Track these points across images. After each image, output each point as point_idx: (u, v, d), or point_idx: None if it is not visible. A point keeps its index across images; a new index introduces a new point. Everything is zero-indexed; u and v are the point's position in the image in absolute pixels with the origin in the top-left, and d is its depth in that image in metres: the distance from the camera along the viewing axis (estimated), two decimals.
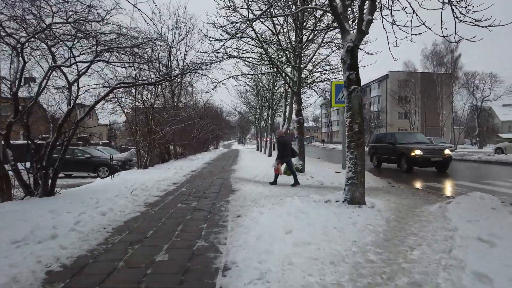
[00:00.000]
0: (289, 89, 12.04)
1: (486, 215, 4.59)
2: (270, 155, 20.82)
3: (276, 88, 20.55)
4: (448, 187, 9.10)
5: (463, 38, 5.74)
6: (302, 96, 18.55)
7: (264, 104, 23.93)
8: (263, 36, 10.50)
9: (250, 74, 9.92)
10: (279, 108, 22.40)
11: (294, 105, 11.08)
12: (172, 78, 8.34)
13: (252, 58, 10.28)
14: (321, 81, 14.59)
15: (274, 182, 9.05)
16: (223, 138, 77.79)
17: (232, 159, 22.22)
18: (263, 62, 10.26)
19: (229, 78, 10.19)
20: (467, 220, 4.45)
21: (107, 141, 41.78)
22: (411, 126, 48.48)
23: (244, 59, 10.09)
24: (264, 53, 9.64)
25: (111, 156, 13.22)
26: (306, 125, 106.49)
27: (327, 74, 13.65)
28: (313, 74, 14.23)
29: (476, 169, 14.86)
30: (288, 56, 10.21)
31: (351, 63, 5.36)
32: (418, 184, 9.74)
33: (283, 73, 10.64)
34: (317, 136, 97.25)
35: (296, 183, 8.84)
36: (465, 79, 47.31)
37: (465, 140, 68.60)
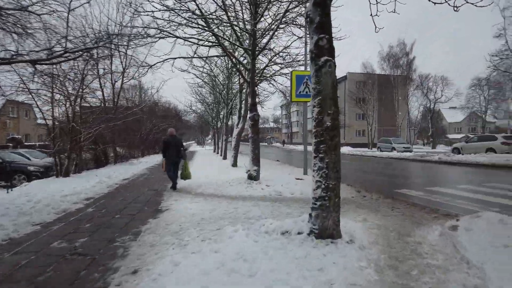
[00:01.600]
0: (244, 82, 10.12)
1: None
2: (225, 157, 18.77)
3: (232, 83, 18.54)
4: (426, 196, 7.67)
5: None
6: (261, 92, 16.79)
7: (220, 102, 21.82)
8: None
9: (189, 57, 7.89)
10: (236, 106, 20.42)
11: (248, 99, 9.16)
12: (74, 51, 6.03)
13: (196, 38, 8.20)
14: (281, 74, 12.86)
15: (173, 187, 8.46)
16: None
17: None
18: (207, 42, 8.24)
19: (163, 61, 8.01)
20: (501, 267, 2.78)
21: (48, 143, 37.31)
22: (368, 127, 48.81)
23: (185, 39, 7.98)
24: (205, 25, 7.57)
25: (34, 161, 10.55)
26: (267, 126, 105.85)
27: (287, 66, 11.93)
28: (271, 67, 12.46)
29: (443, 171, 13.93)
30: (239, 35, 8.30)
31: (321, 21, 3.51)
32: (388, 191, 8.26)
33: (233, 58, 8.68)
34: (277, 137, 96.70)
35: (173, 187, 8.37)
36: (419, 81, 48.61)
37: (417, 140, 71.38)
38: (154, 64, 8.17)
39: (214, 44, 8.45)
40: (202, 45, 8.12)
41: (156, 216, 5.45)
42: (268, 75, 13.29)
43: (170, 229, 4.49)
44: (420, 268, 3.02)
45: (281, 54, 11.44)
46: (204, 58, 13.43)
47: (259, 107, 19.71)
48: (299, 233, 3.67)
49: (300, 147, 54.83)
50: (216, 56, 8.89)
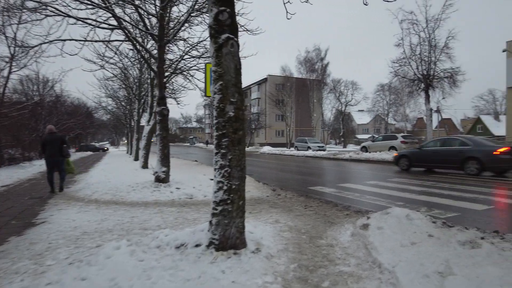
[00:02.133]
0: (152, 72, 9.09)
1: (431, 253, 2.81)
2: (136, 158, 17.19)
3: (145, 78, 17.05)
4: (339, 193, 7.76)
5: None
6: (178, 88, 15.69)
7: (132, 98, 20.00)
8: None
9: (82, 40, 6.61)
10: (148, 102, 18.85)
11: (155, 92, 8.20)
12: None
13: (91, 19, 6.92)
14: (199, 69, 12.06)
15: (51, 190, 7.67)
16: (93, 138, 67.72)
17: (87, 165, 17.68)
18: (107, 25, 7.03)
19: (50, 42, 6.58)
20: (410, 267, 2.55)
21: None
22: (287, 128, 50.73)
23: (77, 18, 6.68)
24: (102, 2, 6.41)
25: None
26: (190, 126, 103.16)
27: (205, 59, 11.20)
28: (188, 60, 11.60)
29: (353, 168, 14.75)
30: (144, 18, 7.32)
31: None
32: (302, 189, 8.20)
33: (136, 44, 7.63)
34: (201, 137, 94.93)
35: (52, 191, 7.65)
36: (332, 85, 52.25)
37: (330, 140, 76.97)
38: (37, 46, 6.70)
39: (114, 27, 7.32)
40: (99, 27, 6.92)
41: (22, 232, 4.26)
42: (184, 69, 12.39)
43: (33, 249, 3.45)
44: (332, 279, 2.65)
45: (198, 46, 10.70)
46: (114, 50, 11.96)
47: (174, 104, 18.53)
48: (197, 246, 3.03)
49: None
50: (117, 41, 7.73)
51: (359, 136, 78.44)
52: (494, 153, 10.60)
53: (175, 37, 9.39)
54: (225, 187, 2.93)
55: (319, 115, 53.59)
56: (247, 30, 9.57)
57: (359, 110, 79.15)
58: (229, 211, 2.93)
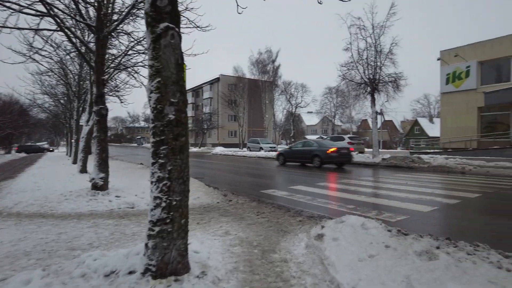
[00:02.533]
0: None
1: (390, 268, 2.63)
2: (75, 162, 15.71)
3: (85, 73, 15.63)
4: (291, 196, 7.60)
5: None
6: (123, 85, 14.57)
7: (71, 95, 18.29)
8: None
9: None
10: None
11: (94, 89, 7.36)
12: None
13: (11, 2, 5.94)
14: (145, 66, 11.23)
15: None
16: (29, 139, 61.72)
17: (16, 169, 15.83)
18: (33, 11, 6.08)
19: None
20: (371, 286, 2.34)
21: None
22: (239, 128, 50.56)
23: None
24: None
25: None
26: (138, 125, 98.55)
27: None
28: (133, 56, 10.75)
29: (304, 169, 14.86)
30: (78, 4, 6.50)
31: None
32: (255, 193, 7.93)
33: (70, 34, 6.75)
34: (149, 137, 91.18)
35: None
36: (283, 87, 53.11)
37: (281, 140, 78.40)
38: None
39: (43, 14, 6.40)
40: (22, 12, 5.97)
41: None
42: (129, 65, 11.47)
43: None
44: None
45: (144, 42, 9.91)
46: (45, 39, 10.66)
47: (118, 102, 17.31)
48: (130, 273, 2.56)
49: None
50: (46, 29, 6.74)
51: (308, 137, 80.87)
52: (328, 152, 15.15)
53: (117, 30, 8.60)
54: (163, 204, 2.49)
55: (271, 116, 54.19)
56: (197, 26, 9.06)
57: (308, 112, 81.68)
58: (169, 232, 2.50)
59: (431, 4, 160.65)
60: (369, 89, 18.63)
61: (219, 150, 36.88)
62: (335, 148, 15.24)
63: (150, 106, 2.58)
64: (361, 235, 3.35)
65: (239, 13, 4.08)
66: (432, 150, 26.92)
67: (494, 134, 23.30)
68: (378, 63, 18.20)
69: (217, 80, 57.19)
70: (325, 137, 34.19)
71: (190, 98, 67.97)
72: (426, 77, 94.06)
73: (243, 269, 2.98)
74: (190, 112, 67.11)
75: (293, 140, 61.13)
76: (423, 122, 68.68)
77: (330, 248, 3.19)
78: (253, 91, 50.74)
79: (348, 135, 25.07)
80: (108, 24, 7.64)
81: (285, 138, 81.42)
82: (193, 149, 46.13)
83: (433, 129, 62.40)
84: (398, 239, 3.26)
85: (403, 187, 8.67)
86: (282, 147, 59.66)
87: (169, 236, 2.50)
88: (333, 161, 15.33)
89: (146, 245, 2.56)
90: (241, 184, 9.92)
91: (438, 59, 26.39)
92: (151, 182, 2.58)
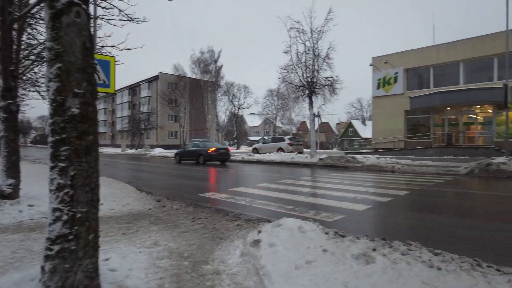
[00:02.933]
0: None
1: (328, 275, 2.49)
2: None
3: None
4: (230, 199, 7.34)
5: None
6: (42, 77, 12.99)
7: None
8: None
9: None
10: None
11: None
12: None
13: None
14: None
15: None
16: None
17: None
18: None
19: None
20: None
21: None
22: (180, 129, 49.13)
23: None
24: None
25: None
26: None
27: None
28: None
29: (245, 171, 14.73)
30: None
31: None
32: (193, 197, 7.53)
33: None
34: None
35: None
36: (226, 88, 52.83)
37: (224, 141, 78.05)
38: None
39: None
40: None
41: None
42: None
43: None
44: None
45: None
46: None
47: (38, 98, 15.48)
48: None
49: (109, 150, 49.25)
50: None
51: (251, 138, 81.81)
52: (209, 151, 18.83)
53: (33, 14, 7.57)
54: (65, 217, 2.04)
55: (213, 116, 53.56)
56: (129, 18, 8.36)
57: (250, 113, 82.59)
58: (72, 251, 2.05)
59: (365, 12, 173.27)
60: (307, 91, 19.18)
61: (157, 151, 35.34)
62: (214, 148, 19.29)
63: (48, 97, 2.11)
64: (298, 239, 3.20)
65: (169, 0, 3.69)
66: (365, 151, 28.77)
67: (418, 135, 25.60)
68: (316, 67, 18.84)
69: (156, 78, 54.94)
70: (266, 138, 34.61)
71: (126, 97, 64.31)
72: (359, 82, 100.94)
73: (169, 286, 2.62)
74: (126, 111, 63.45)
75: (236, 141, 61.19)
76: (357, 124, 73.47)
77: (267, 255, 2.97)
78: (195, 90, 49.67)
79: (288, 136, 25.65)
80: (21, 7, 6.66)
81: (228, 139, 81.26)
82: (129, 151, 43.63)
83: (365, 131, 67.08)
84: (335, 241, 3.16)
85: (340, 186, 8.93)
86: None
87: (72, 255, 2.05)
88: (213, 158, 19.14)
89: (43, 268, 2.08)
90: (178, 187, 9.40)
91: (370, 65, 28.28)
92: (50, 191, 2.10)
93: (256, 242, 3.36)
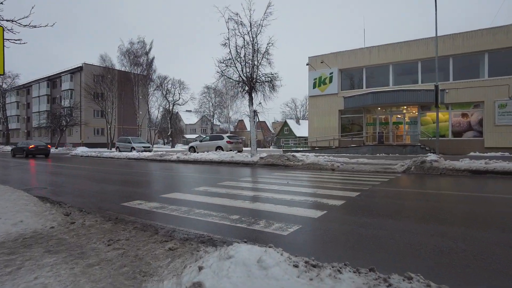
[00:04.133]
0: None
1: None
2: None
3: None
4: (162, 209, 6.07)
5: None
6: None
7: None
8: None
9: None
10: None
11: None
12: None
13: None
14: None
15: None
16: None
17: None
18: None
19: None
20: None
21: None
22: (108, 125, 45.03)
23: None
24: None
25: None
26: None
27: None
28: None
29: (181, 172, 13.36)
30: None
31: None
32: (115, 207, 6.10)
33: None
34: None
35: None
36: (159, 82, 49.81)
37: (158, 140, 74.19)
38: None
39: None
40: None
41: None
42: None
43: None
44: None
45: None
46: None
47: None
48: None
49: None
50: None
51: (187, 136, 79.12)
52: (29, 148, 25.71)
53: None
54: None
55: (145, 113, 50.14)
56: None
57: (186, 110, 79.85)
58: None
59: (305, 12, 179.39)
60: (247, 88, 18.38)
61: (80, 151, 31.68)
62: (33, 145, 26.07)
63: None
64: (258, 281, 2.20)
65: None
66: (301, 149, 29.03)
67: (351, 134, 26.51)
68: (256, 62, 18.11)
69: (79, 69, 49.67)
70: (204, 136, 33.17)
71: (44, 89, 57.19)
72: (293, 81, 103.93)
73: None
74: (44, 106, 56.46)
75: (170, 139, 58.26)
76: (291, 123, 75.39)
77: None
78: (124, 84, 45.93)
79: (227, 134, 24.67)
80: None
81: (162, 137, 77.40)
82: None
83: (300, 130, 69.09)
84: (310, 280, 2.23)
85: (286, 187, 8.19)
86: (159, 147, 56.17)
87: None
88: (33, 153, 25.85)
89: None
90: (99, 194, 7.77)
91: (307, 64, 28.58)
92: None
93: (197, 286, 2.28)
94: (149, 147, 30.59)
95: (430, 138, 22.42)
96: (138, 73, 46.44)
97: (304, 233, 4.32)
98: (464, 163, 11.69)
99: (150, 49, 47.11)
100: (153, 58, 47.88)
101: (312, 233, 4.36)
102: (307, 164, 14.55)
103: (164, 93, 50.86)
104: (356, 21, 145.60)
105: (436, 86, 14.82)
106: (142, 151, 27.70)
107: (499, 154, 19.03)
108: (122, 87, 46.11)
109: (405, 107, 24.40)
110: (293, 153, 17.63)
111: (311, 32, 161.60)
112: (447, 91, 21.92)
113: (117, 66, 46.60)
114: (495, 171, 10.73)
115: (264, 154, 17.22)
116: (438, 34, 16.42)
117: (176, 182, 10.39)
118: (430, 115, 23.20)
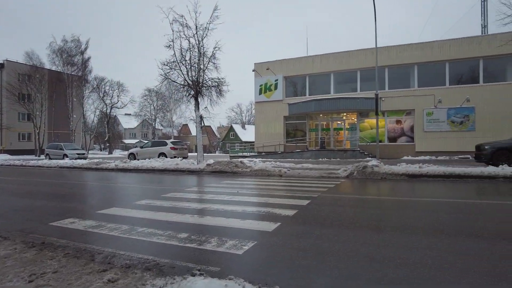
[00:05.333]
0: None
1: None
2: None
3: None
4: (99, 229, 5.37)
5: None
6: None
7: None
8: None
9: None
10: None
11: None
12: None
13: None
14: None
15: None
16: None
17: None
18: None
19: None
20: None
21: None
22: (36, 130, 40.77)
23: None
24: None
25: None
26: None
27: None
28: None
29: (120, 183, 12.35)
30: None
31: None
32: (41, 228, 5.26)
33: None
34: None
35: None
36: (95, 84, 46.47)
37: (94, 145, 69.14)
38: None
39: None
40: None
41: None
42: None
43: None
44: None
45: None
46: None
47: None
48: None
49: None
50: None
51: (126, 141, 74.93)
52: None
53: None
54: None
55: (80, 116, 46.34)
56: None
57: (126, 114, 75.77)
58: None
59: (245, 16, 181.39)
60: (192, 92, 17.79)
61: (1, 159, 28.04)
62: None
63: None
64: None
65: None
66: (248, 154, 29.00)
67: (296, 139, 27.15)
68: (202, 66, 17.62)
69: (1, 66, 44.32)
70: (145, 141, 31.51)
71: None
72: (238, 86, 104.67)
73: None
74: None
75: (108, 144, 54.60)
76: (237, 128, 75.54)
77: None
78: (56, 85, 42.07)
79: (171, 140, 23.67)
80: None
81: (98, 143, 72.26)
82: None
83: (245, 135, 69.45)
84: None
85: (237, 197, 7.89)
86: (95, 153, 52.30)
87: None
88: None
89: None
90: (22, 212, 6.71)
91: (253, 70, 28.72)
92: None
93: None
94: (84, 153, 28.21)
95: (368, 143, 23.87)
96: (72, 73, 42.82)
97: (261, 251, 4.06)
98: (401, 168, 12.49)
99: (86, 48, 43.82)
100: (89, 58, 44.60)
101: (269, 249, 4.11)
102: (255, 171, 14.42)
103: (101, 95, 47.54)
104: (301, 29, 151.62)
105: (376, 95, 15.73)
106: (76, 159, 25.40)
107: (427, 157, 20.85)
108: (53, 88, 42.09)
109: (345, 114, 25.68)
110: (241, 159, 17.42)
111: (258, 38, 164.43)
112: (383, 99, 23.49)
113: (47, 65, 42.50)
114: (428, 174, 11.59)
115: (211, 161, 16.74)
116: (374, 46, 17.50)
117: (114, 194, 9.51)
118: (368, 122, 24.74)
